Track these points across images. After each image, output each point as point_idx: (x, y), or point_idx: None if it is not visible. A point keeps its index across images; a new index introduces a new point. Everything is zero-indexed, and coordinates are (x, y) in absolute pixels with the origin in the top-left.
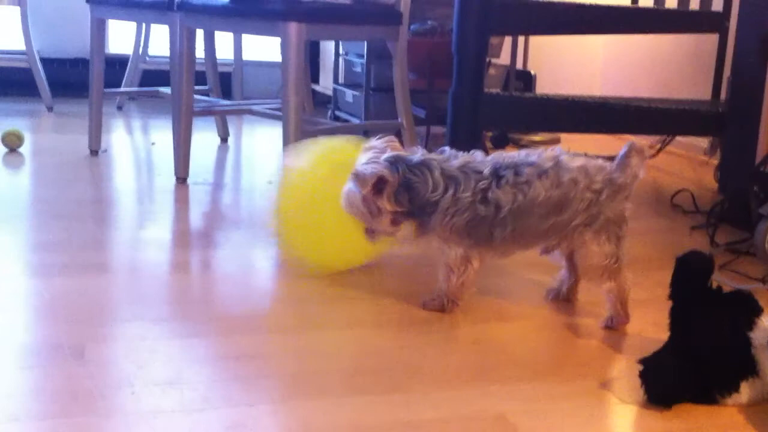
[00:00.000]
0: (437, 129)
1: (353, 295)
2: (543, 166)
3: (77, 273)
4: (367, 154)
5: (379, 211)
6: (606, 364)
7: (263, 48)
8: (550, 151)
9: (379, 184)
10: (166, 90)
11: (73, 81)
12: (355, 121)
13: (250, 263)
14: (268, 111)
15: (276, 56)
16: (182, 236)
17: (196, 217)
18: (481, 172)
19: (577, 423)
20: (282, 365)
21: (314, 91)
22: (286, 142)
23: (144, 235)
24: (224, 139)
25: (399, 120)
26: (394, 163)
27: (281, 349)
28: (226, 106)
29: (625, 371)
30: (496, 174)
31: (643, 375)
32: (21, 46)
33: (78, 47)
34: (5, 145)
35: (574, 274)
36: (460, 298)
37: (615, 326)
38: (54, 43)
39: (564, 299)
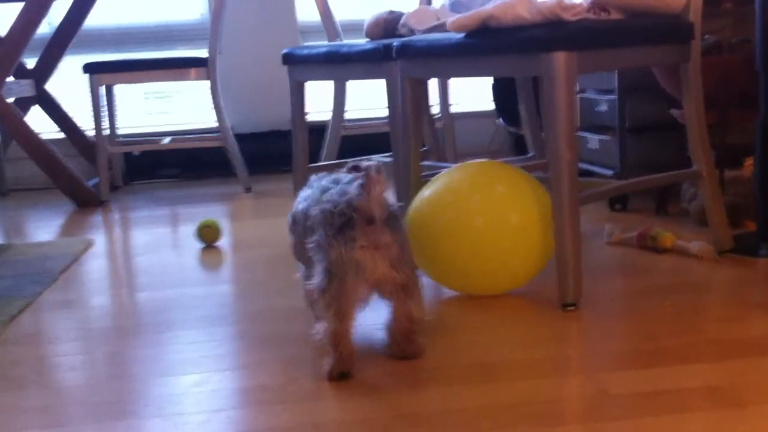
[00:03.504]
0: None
1: None
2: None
3: None
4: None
5: None
6: None
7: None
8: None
9: None
10: (378, 157)
11: (267, 156)
12: (605, 172)
13: None
14: None
15: (485, 104)
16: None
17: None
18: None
19: None
20: None
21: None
22: (559, 211)
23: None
24: None
25: (694, 167)
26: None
27: None
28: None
29: None
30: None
31: None
32: (212, 123)
33: (269, 120)
34: (201, 240)
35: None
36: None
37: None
38: (244, 117)
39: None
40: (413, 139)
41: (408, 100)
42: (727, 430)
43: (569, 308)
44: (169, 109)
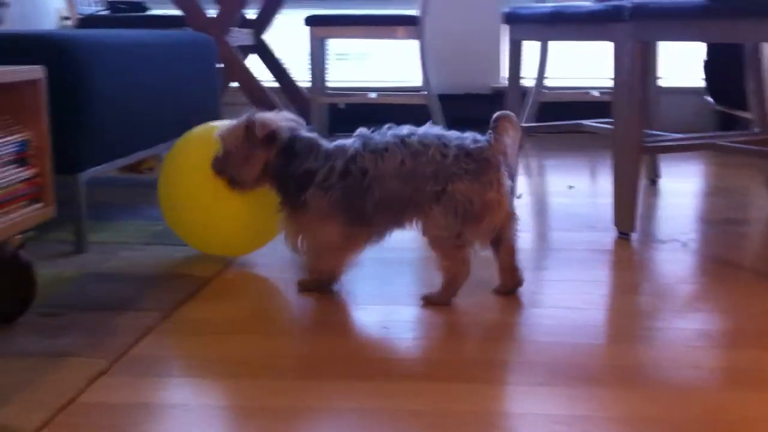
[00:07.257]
0: None
1: None
2: (402, 134)
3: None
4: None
5: (247, 160)
6: None
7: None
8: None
9: (272, 136)
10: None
11: (460, 118)
12: None
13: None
14: (733, 145)
15: (692, 81)
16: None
17: (644, 286)
18: (353, 145)
19: None
20: None
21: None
22: None
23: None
24: (653, 181)
25: None
26: (292, 126)
27: None
28: (684, 140)
29: None
30: (364, 143)
31: None
32: (410, 82)
33: (465, 82)
34: None
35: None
36: (336, 276)
37: (429, 303)
38: (439, 78)
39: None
40: (638, 106)
41: (637, 63)
42: None
43: None
44: (371, 67)
